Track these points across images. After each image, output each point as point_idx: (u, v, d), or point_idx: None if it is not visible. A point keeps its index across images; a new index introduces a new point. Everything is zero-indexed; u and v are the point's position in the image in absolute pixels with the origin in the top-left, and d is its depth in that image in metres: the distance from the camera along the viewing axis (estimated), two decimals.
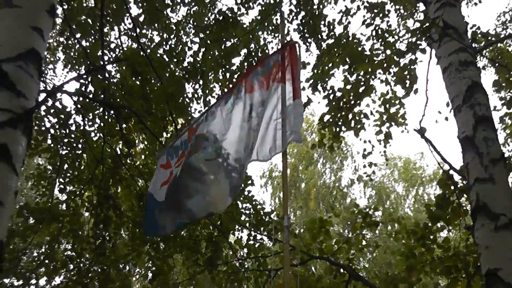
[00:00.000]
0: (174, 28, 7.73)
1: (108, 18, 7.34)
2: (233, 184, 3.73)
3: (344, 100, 6.57)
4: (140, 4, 7.46)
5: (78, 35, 6.86)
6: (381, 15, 7.40)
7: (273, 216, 7.02)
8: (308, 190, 20.66)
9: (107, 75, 6.62)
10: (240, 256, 7.38)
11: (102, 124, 6.73)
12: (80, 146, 6.86)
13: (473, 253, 5.62)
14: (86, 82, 6.42)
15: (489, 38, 6.43)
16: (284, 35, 4.27)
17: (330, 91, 6.67)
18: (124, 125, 6.53)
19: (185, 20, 8.04)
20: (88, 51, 6.71)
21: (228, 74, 7.73)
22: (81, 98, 6.46)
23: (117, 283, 7.08)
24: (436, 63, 5.26)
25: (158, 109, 6.41)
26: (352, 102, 6.55)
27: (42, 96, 3.76)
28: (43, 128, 6.58)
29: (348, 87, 6.50)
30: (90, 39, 7.10)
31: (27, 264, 7.68)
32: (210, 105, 4.51)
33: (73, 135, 6.78)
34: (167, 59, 7.27)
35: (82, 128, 6.67)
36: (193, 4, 7.99)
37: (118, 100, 6.50)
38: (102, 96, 6.41)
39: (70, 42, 7.89)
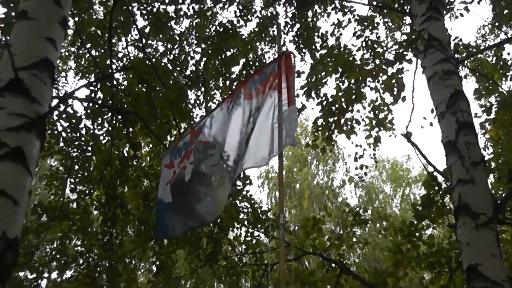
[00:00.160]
0: (178, 39, 7.73)
1: (116, 30, 7.35)
2: (231, 186, 3.75)
3: (337, 106, 6.59)
4: (146, 17, 7.47)
5: (88, 45, 6.86)
6: (370, 27, 7.42)
7: (269, 214, 7.01)
8: (302, 190, 20.63)
9: (115, 82, 6.62)
10: (238, 252, 7.37)
11: (110, 128, 6.73)
12: (89, 148, 6.85)
13: (456, 249, 5.62)
14: (96, 89, 6.42)
15: (470, 49, 6.46)
16: (281, 46, 4.28)
17: (323, 98, 6.68)
18: (130, 129, 6.53)
19: (188, 32, 8.04)
20: (98, 60, 6.71)
21: (228, 82, 7.73)
22: (90, 104, 6.46)
23: (123, 276, 7.07)
24: (421, 73, 5.28)
25: (163, 114, 6.41)
26: (344, 107, 6.56)
27: (55, 102, 3.75)
28: (56, 132, 6.57)
29: (340, 94, 6.51)
30: (100, 49, 7.09)
31: (40, 259, 7.66)
32: (212, 109, 4.50)
33: (83, 139, 6.79)
34: (171, 68, 7.27)
35: (91, 132, 6.67)
36: (195, 16, 7.99)
37: (125, 106, 6.50)
38: (110, 102, 6.41)
39: (80, 52, 7.88)
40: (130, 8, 7.19)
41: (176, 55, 7.68)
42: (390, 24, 8.45)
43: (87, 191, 6.96)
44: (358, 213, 6.88)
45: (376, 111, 6.66)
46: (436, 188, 5.72)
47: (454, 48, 5.97)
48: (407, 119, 5.90)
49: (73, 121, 6.55)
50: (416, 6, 5.64)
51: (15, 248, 2.50)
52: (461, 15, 7.59)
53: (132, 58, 7.43)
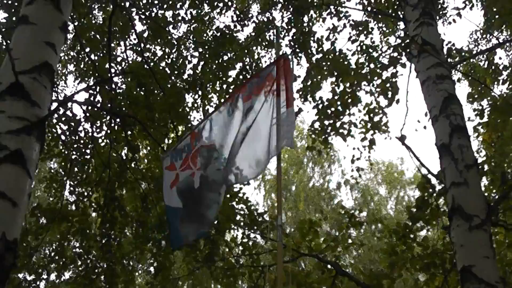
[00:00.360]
0: (176, 43, 7.73)
1: (115, 34, 7.34)
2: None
3: (332, 109, 6.60)
4: (144, 22, 7.47)
5: (87, 50, 6.86)
6: (365, 32, 7.46)
7: (265, 216, 7.00)
8: (298, 193, 20.60)
9: (113, 86, 6.62)
10: (235, 253, 7.35)
11: (109, 131, 6.71)
12: (88, 151, 6.83)
13: (450, 251, 5.61)
14: (95, 93, 6.41)
15: (463, 54, 6.50)
16: (279, 49, 4.29)
17: (319, 101, 6.70)
18: (129, 132, 6.52)
19: (186, 36, 8.04)
20: (97, 64, 6.70)
21: (225, 86, 7.73)
22: (89, 107, 6.45)
23: (122, 278, 7.04)
24: (415, 77, 5.30)
25: (161, 117, 6.40)
26: (340, 110, 6.58)
27: (54, 105, 3.74)
28: (55, 135, 6.55)
29: (336, 97, 6.53)
30: (99, 53, 7.09)
31: (39, 260, 7.62)
32: (210, 112, 4.48)
33: (82, 141, 6.76)
34: (169, 72, 7.26)
35: (90, 135, 6.66)
36: (193, 21, 7.99)
37: (124, 109, 6.49)
38: (109, 105, 6.40)
39: (80, 56, 7.88)
40: (129, 13, 7.20)
41: (174, 59, 7.67)
42: (384, 29, 8.47)
43: (86, 194, 6.93)
44: (354, 215, 6.88)
45: (371, 114, 6.68)
46: (430, 190, 5.73)
47: (447, 53, 6.00)
48: (401, 122, 5.92)
49: (72, 124, 6.54)
50: (410, 12, 5.67)
51: (14, 250, 2.50)
52: (454, 20, 7.64)
53: (130, 62, 7.43)
